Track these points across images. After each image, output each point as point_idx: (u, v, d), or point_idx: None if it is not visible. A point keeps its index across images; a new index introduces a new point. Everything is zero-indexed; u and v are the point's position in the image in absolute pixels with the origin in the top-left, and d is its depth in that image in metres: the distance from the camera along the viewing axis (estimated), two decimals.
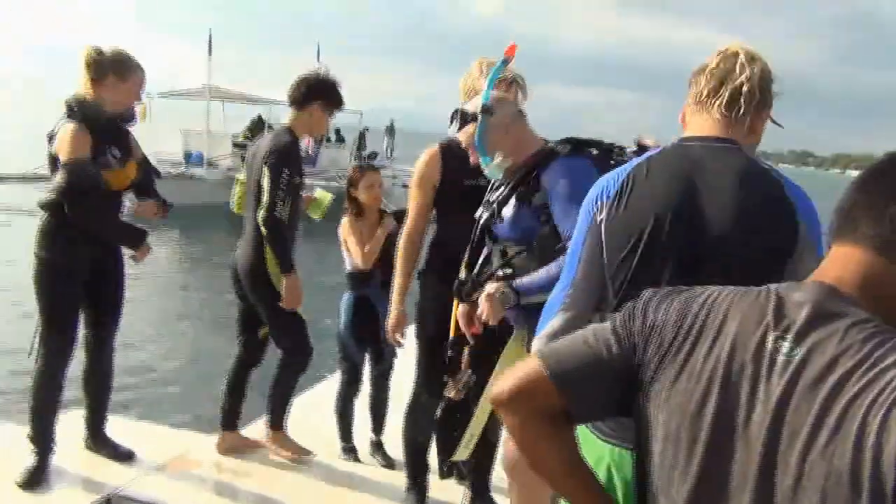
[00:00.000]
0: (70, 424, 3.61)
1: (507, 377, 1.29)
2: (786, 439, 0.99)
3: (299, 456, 3.71)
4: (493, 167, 2.49)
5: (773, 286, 1.11)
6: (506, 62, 2.59)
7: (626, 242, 1.79)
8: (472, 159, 2.57)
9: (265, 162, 3.44)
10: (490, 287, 2.42)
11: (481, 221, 2.61)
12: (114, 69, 3.26)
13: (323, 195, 3.88)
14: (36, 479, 3.29)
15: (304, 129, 3.62)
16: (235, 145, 20.49)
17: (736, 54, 1.82)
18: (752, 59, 1.82)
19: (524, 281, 2.39)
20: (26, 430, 3.43)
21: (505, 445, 2.65)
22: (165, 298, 10.56)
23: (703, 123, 1.85)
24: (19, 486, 3.24)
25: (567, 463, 1.31)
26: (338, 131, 25.60)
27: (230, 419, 3.79)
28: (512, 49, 2.60)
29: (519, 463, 2.47)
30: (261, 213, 3.41)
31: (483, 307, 2.44)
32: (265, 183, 3.41)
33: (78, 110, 3.21)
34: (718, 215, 1.73)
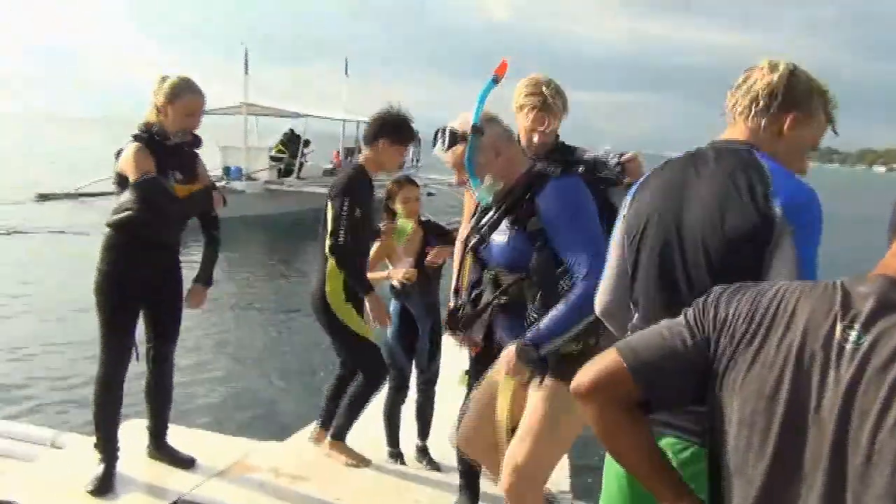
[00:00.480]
0: (133, 434, 3.76)
1: (586, 370, 1.39)
2: (856, 420, 1.08)
3: (358, 462, 3.84)
4: (484, 190, 2.44)
5: (838, 280, 1.21)
6: (496, 80, 2.53)
7: (631, 238, 2.00)
8: (457, 179, 2.55)
9: (329, 195, 3.66)
10: (508, 350, 2.42)
11: (469, 246, 2.59)
12: (165, 93, 3.39)
13: (404, 223, 4.01)
14: (105, 486, 3.43)
15: (374, 165, 3.80)
16: (272, 159, 21.18)
17: (761, 68, 1.94)
18: (773, 67, 1.93)
19: (538, 333, 2.37)
20: (92, 439, 3.58)
21: (504, 469, 2.56)
22: (209, 309, 10.82)
23: (728, 131, 1.99)
24: (90, 493, 3.38)
25: (644, 450, 1.41)
26: None
27: (327, 420, 4.03)
28: (503, 67, 2.55)
29: (514, 488, 2.50)
30: (327, 243, 3.61)
31: (505, 367, 2.46)
32: (329, 215, 3.62)
33: (142, 133, 3.38)
34: (694, 208, 1.88)
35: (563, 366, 2.37)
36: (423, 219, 4.23)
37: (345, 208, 3.57)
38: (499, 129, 2.51)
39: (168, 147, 3.40)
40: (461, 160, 2.44)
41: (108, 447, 3.52)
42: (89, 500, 3.35)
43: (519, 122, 3.14)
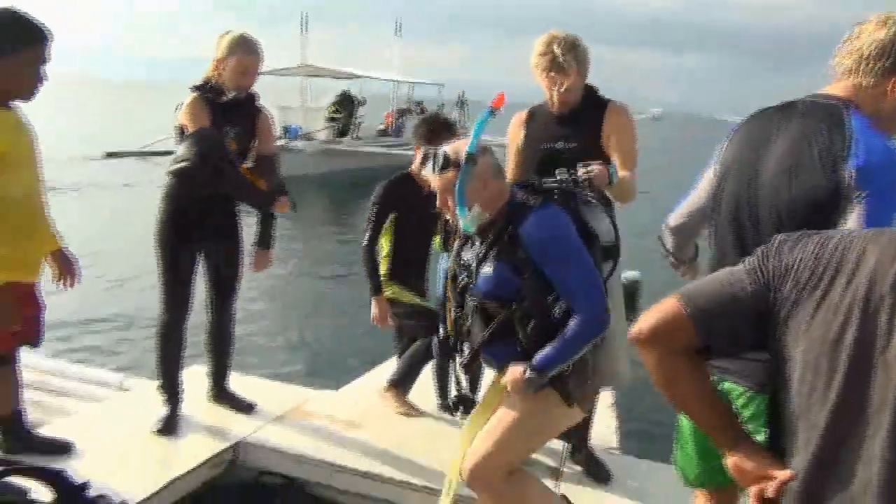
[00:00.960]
0: (196, 380, 3.89)
1: (646, 317, 1.41)
2: None
3: (409, 411, 3.94)
4: (470, 220, 2.40)
5: None
6: (492, 113, 2.49)
7: (716, 185, 2.03)
8: (439, 203, 2.50)
9: None
10: (513, 375, 2.41)
11: (459, 285, 2.55)
12: (222, 49, 3.44)
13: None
14: (169, 427, 3.58)
15: (417, 169, 3.81)
16: (328, 119, 21.88)
17: (871, 22, 1.84)
18: (883, 22, 1.82)
19: (543, 362, 2.36)
20: (157, 383, 3.73)
21: (470, 453, 2.55)
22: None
23: (829, 86, 1.91)
24: (155, 433, 3.53)
25: (703, 395, 1.43)
26: (420, 103, 26.45)
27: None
28: (500, 100, 2.51)
29: (477, 470, 2.48)
30: None
31: (510, 388, 2.46)
32: None
33: (199, 86, 3.46)
34: (769, 165, 1.85)
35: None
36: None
37: (373, 214, 3.75)
38: (490, 160, 2.47)
39: (222, 103, 3.45)
40: (450, 186, 2.41)
41: (171, 390, 3.67)
42: (154, 440, 3.50)
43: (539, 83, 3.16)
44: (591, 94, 3.23)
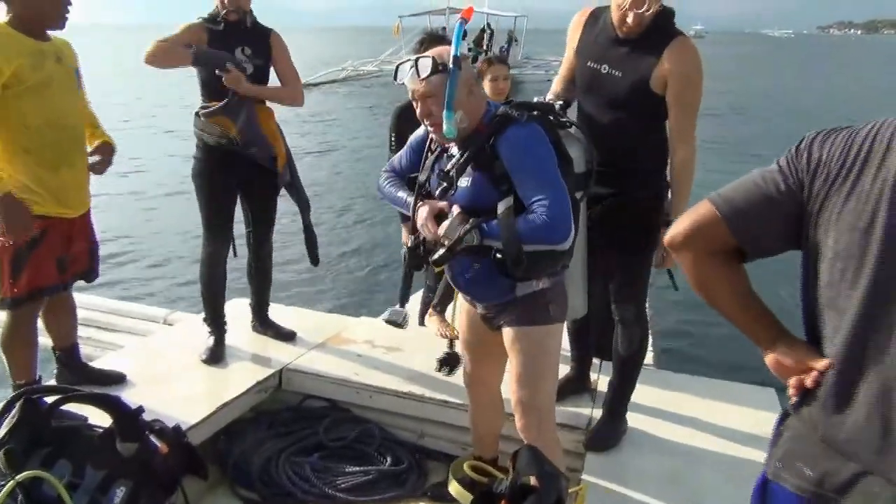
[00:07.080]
0: (238, 312, 4.03)
1: (680, 221, 1.42)
2: None
3: (450, 334, 4.02)
4: (453, 125, 2.34)
5: None
6: (464, 22, 2.44)
7: None
8: (420, 113, 2.42)
9: None
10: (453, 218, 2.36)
11: (436, 190, 2.48)
12: None
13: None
14: (216, 356, 3.71)
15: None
16: (469, 49, 27.75)
17: None
18: None
19: (490, 228, 2.30)
20: (201, 316, 3.86)
21: (515, 412, 2.57)
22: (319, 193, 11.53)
23: None
24: (203, 362, 3.67)
25: (740, 297, 1.44)
26: (510, 32, 34.64)
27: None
28: (468, 12, 2.49)
29: (529, 424, 2.51)
30: None
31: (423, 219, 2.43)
32: None
33: (206, 17, 3.55)
34: None
35: (533, 311, 2.45)
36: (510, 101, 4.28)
37: (389, 140, 3.79)
38: (470, 68, 2.41)
39: (229, 29, 3.51)
40: (435, 91, 2.34)
41: (215, 321, 3.79)
42: (202, 369, 3.64)
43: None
44: (663, 17, 2.77)
